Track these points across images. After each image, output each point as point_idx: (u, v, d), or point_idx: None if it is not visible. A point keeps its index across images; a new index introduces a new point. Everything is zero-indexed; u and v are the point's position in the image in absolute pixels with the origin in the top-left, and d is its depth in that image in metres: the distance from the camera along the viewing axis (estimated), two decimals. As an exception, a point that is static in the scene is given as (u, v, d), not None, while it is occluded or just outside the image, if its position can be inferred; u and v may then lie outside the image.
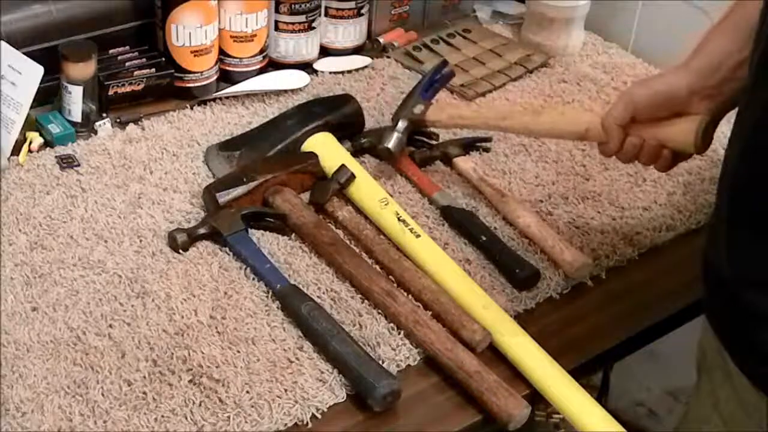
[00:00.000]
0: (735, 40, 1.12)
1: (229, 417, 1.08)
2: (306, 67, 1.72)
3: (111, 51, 1.58)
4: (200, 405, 1.09)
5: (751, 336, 0.99)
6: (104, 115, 1.53)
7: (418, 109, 1.44)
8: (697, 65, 1.14)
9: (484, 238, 1.34)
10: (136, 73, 1.56)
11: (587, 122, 1.24)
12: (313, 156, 1.43)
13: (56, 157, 1.45)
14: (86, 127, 1.51)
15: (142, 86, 1.57)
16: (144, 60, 1.59)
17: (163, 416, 1.08)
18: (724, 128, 1.58)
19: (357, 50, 1.77)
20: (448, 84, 1.59)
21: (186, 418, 1.08)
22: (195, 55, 1.58)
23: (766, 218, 0.94)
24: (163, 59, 1.59)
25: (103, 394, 1.10)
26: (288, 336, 1.19)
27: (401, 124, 1.43)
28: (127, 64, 1.57)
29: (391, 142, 1.43)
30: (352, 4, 1.72)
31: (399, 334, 1.20)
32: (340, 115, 1.50)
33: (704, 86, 1.14)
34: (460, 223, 1.37)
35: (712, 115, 1.15)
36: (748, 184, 0.96)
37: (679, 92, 1.15)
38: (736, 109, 1.02)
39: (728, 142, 1.02)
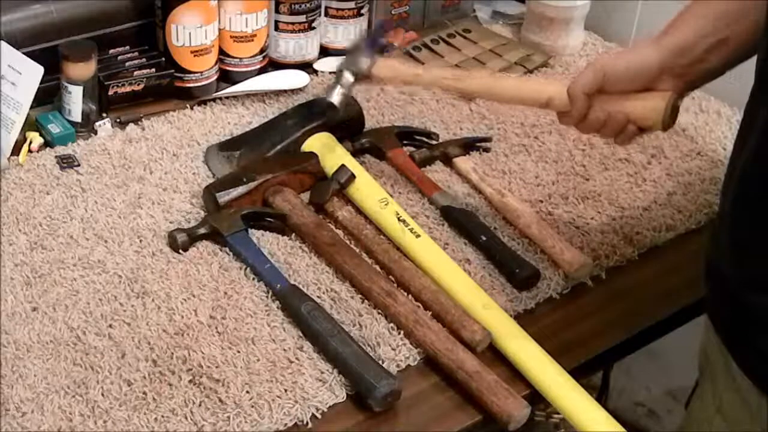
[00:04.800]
0: (709, 23, 1.10)
1: (229, 417, 1.08)
2: (306, 67, 1.72)
3: (111, 51, 1.58)
4: (200, 405, 1.09)
5: (752, 336, 0.99)
6: (104, 115, 1.53)
7: (364, 64, 1.38)
8: (670, 43, 1.12)
9: (484, 238, 1.34)
10: (136, 73, 1.56)
11: (551, 91, 1.21)
12: (313, 156, 1.43)
13: (56, 157, 1.45)
14: (86, 127, 1.51)
15: (142, 86, 1.57)
16: (144, 60, 1.59)
17: (163, 416, 1.08)
18: (724, 128, 1.60)
19: (357, 50, 1.77)
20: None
21: (186, 418, 1.08)
22: (195, 55, 1.58)
23: None
24: (163, 59, 1.59)
25: (103, 394, 1.10)
26: (288, 336, 1.19)
27: (346, 79, 1.39)
28: (127, 64, 1.57)
29: (335, 97, 1.39)
30: (352, 4, 1.72)
31: (399, 334, 1.20)
32: (340, 115, 1.50)
33: (675, 65, 1.12)
34: (460, 223, 1.37)
35: (679, 93, 1.15)
36: (757, 185, 0.95)
37: (651, 67, 1.13)
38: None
39: (734, 144, 1.02)
